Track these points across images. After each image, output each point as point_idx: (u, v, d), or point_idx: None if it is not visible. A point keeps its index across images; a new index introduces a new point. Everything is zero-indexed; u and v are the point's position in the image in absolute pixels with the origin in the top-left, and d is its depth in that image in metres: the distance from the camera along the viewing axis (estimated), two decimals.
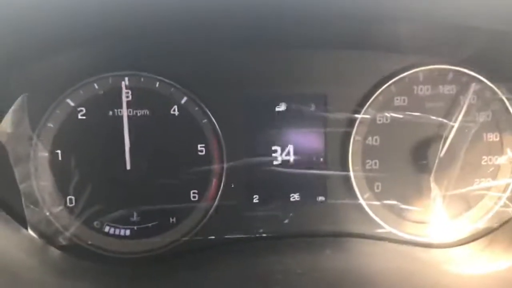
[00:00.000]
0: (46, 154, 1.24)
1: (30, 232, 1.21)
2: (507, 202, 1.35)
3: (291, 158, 1.33)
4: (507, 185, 1.36)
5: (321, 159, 1.34)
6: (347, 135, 1.33)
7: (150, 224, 1.29)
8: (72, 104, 1.24)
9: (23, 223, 1.21)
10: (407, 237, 1.36)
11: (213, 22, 1.13)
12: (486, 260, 1.27)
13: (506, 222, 1.35)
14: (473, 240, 1.36)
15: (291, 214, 1.34)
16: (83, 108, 1.25)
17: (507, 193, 1.35)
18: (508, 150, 1.35)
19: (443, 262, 1.29)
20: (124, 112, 1.25)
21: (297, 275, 1.13)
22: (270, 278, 1.12)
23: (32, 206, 1.21)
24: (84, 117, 1.25)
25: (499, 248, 1.30)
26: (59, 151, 1.24)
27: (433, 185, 1.32)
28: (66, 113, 1.24)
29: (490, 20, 1.09)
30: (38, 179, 1.23)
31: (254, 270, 1.18)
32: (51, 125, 1.23)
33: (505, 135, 1.35)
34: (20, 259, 1.13)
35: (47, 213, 1.23)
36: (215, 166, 1.30)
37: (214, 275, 1.18)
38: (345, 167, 1.34)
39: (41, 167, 1.23)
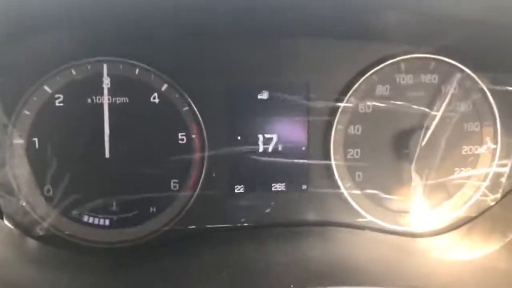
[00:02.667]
0: (22, 142, 1.21)
1: (6, 222, 1.19)
2: (486, 191, 1.37)
3: (273, 147, 1.32)
4: (486, 174, 1.37)
5: (303, 148, 1.34)
6: (329, 124, 1.32)
7: (130, 214, 1.28)
8: (49, 90, 1.21)
9: None
10: (388, 226, 1.36)
11: (194, 10, 1.11)
12: (465, 249, 1.28)
13: (485, 211, 1.37)
14: (453, 229, 1.37)
15: (272, 204, 1.33)
16: (60, 95, 1.22)
17: (486, 182, 1.37)
18: (488, 139, 1.36)
19: (423, 251, 1.31)
20: (105, 99, 1.22)
21: (278, 265, 1.13)
22: (251, 267, 1.12)
23: (7, 196, 1.19)
24: (61, 104, 1.22)
25: (477, 237, 1.31)
26: (36, 139, 1.21)
27: (414, 174, 1.33)
28: (43, 100, 1.21)
29: (472, 10, 1.09)
30: (14, 168, 1.20)
31: (235, 260, 1.18)
32: (28, 112, 1.20)
33: (485, 125, 1.36)
34: None
35: (24, 203, 1.21)
36: (196, 155, 1.28)
37: (195, 265, 1.17)
38: (326, 156, 1.33)
39: (17, 155, 1.20)
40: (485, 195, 1.37)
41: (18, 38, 1.14)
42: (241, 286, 1.06)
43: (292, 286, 0.98)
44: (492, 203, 1.37)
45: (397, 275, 1.12)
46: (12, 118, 1.19)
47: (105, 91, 1.22)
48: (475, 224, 1.36)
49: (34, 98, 1.20)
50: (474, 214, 1.37)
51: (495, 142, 1.37)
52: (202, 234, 1.29)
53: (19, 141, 1.20)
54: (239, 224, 1.32)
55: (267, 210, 1.33)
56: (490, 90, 1.34)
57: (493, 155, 1.37)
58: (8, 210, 1.19)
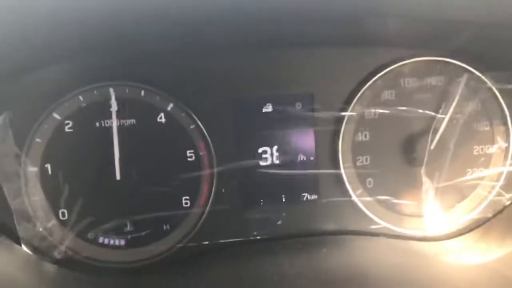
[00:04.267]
0: (36, 169, 1.23)
1: (24, 248, 1.21)
2: (501, 190, 1.35)
3: (281, 159, 1.33)
4: (500, 174, 1.35)
5: (312, 158, 1.34)
6: (336, 132, 1.33)
7: (144, 233, 1.29)
8: (58, 117, 1.24)
9: (16, 239, 1.21)
10: (402, 231, 1.36)
11: (195, 27, 1.13)
12: (481, 251, 1.27)
13: (500, 211, 1.35)
14: (468, 231, 1.36)
15: (284, 215, 1.33)
16: (69, 121, 1.24)
17: (500, 182, 1.35)
18: (499, 138, 1.35)
19: (438, 255, 1.29)
20: (114, 122, 1.25)
21: (292, 276, 1.13)
22: (265, 280, 1.12)
23: (24, 222, 1.21)
24: (71, 130, 1.25)
25: (493, 238, 1.30)
26: (48, 165, 1.24)
27: (424, 178, 1.32)
28: (53, 127, 1.24)
29: (476, 12, 1.09)
30: (29, 195, 1.23)
31: (249, 274, 1.19)
32: (39, 140, 1.23)
33: (495, 124, 1.35)
34: (15, 276, 1.13)
35: (40, 228, 1.23)
36: (205, 172, 1.30)
37: (209, 280, 1.18)
38: (336, 165, 1.33)
39: (31, 182, 1.23)
40: (499, 194, 1.35)
41: (26, 69, 1.17)
42: None
43: None
44: (508, 203, 1.35)
45: (413, 281, 1.11)
46: (25, 147, 1.22)
47: (114, 115, 1.25)
48: (490, 225, 1.34)
49: (45, 126, 1.23)
50: (489, 215, 1.36)
51: (507, 141, 1.35)
52: (216, 249, 1.31)
53: (32, 168, 1.22)
54: (251, 238, 1.33)
55: (279, 222, 1.34)
56: (498, 89, 1.32)
57: (506, 154, 1.35)
58: (25, 235, 1.21)
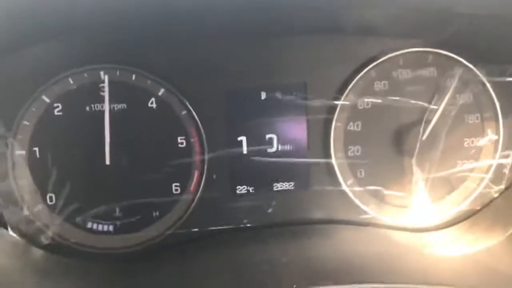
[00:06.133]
0: (23, 152, 1.21)
1: (11, 233, 1.20)
2: (490, 183, 1.36)
3: (273, 147, 1.32)
4: (489, 167, 1.36)
5: (303, 147, 1.33)
6: (328, 122, 1.32)
7: (133, 219, 1.28)
8: (47, 100, 1.22)
9: (3, 224, 1.19)
10: (391, 222, 1.36)
11: (189, 12, 1.11)
12: (468, 243, 1.28)
13: (488, 203, 1.36)
14: (456, 223, 1.37)
15: (274, 203, 1.33)
16: (59, 104, 1.22)
17: (489, 175, 1.36)
18: (489, 131, 1.35)
19: (427, 245, 1.30)
20: (106, 106, 1.23)
21: (282, 264, 1.13)
22: (255, 268, 1.12)
23: (11, 206, 1.20)
24: (60, 113, 1.23)
25: (480, 230, 1.31)
26: (36, 149, 1.22)
27: (415, 168, 1.32)
28: (42, 110, 1.22)
29: (469, 3, 1.09)
30: (16, 178, 1.21)
31: (239, 261, 1.18)
32: (27, 123, 1.21)
33: (486, 116, 1.35)
34: (2, 261, 1.12)
35: (27, 213, 1.21)
36: (196, 158, 1.29)
37: (199, 267, 1.17)
38: (327, 154, 1.33)
39: (19, 166, 1.21)
40: (488, 187, 1.36)
41: (14, 49, 1.14)
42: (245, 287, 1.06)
43: (294, 286, 0.98)
44: (496, 195, 1.36)
45: (401, 271, 1.11)
46: (12, 129, 1.19)
47: (106, 98, 1.22)
48: (478, 217, 1.35)
49: (33, 109, 1.21)
50: (478, 207, 1.37)
51: (497, 133, 1.35)
52: (205, 236, 1.30)
53: (20, 151, 1.20)
54: (241, 225, 1.32)
55: (269, 210, 1.33)
56: (489, 81, 1.32)
57: (496, 147, 1.36)
58: (12, 220, 1.20)
